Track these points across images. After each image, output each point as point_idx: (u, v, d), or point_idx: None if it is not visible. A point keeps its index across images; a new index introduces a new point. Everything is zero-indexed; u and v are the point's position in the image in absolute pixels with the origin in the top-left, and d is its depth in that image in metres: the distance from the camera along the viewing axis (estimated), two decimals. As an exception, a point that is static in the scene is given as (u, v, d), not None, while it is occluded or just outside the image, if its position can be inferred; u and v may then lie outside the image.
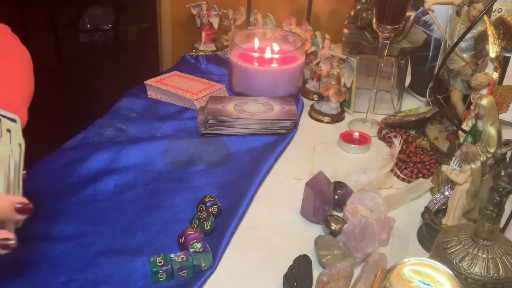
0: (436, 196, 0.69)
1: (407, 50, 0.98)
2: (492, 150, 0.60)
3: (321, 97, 1.01)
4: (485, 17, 0.76)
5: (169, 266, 0.58)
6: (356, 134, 0.92)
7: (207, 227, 0.66)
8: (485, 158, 0.60)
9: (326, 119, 1.00)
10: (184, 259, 0.59)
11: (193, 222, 0.67)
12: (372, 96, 0.95)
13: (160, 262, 0.59)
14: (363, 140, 0.91)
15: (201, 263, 0.61)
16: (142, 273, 0.61)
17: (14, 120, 0.53)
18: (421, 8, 1.01)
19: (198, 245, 0.61)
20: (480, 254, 0.53)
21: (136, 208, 0.72)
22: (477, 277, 0.52)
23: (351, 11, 1.01)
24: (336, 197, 0.73)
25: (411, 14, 0.97)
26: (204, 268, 0.61)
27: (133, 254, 0.63)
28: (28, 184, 0.74)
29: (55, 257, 0.62)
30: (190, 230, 0.64)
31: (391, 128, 0.96)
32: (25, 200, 0.52)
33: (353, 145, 0.90)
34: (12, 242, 0.51)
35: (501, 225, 0.60)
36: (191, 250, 0.61)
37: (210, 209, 0.69)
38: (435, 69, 1.05)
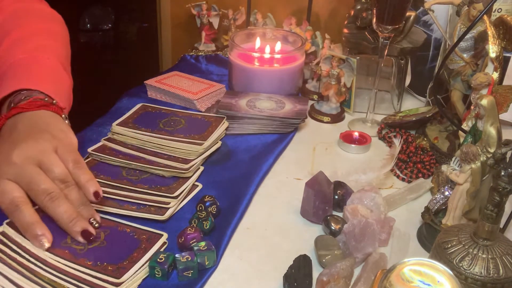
0: (436, 196, 0.69)
1: (407, 50, 0.98)
2: (492, 150, 0.60)
3: (321, 97, 1.01)
4: (485, 17, 0.76)
5: (165, 266, 0.59)
6: (356, 134, 0.92)
7: (206, 226, 0.66)
8: (485, 158, 0.60)
9: (326, 119, 1.00)
10: (189, 259, 0.60)
11: (192, 222, 0.67)
12: (372, 96, 0.95)
13: (161, 259, 0.59)
14: (363, 140, 0.91)
15: (205, 261, 0.61)
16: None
17: None
18: (421, 8, 1.01)
19: (203, 243, 0.62)
20: (480, 254, 0.53)
21: (136, 207, 0.72)
22: (477, 277, 0.52)
23: (351, 11, 1.01)
24: (336, 197, 0.73)
25: (411, 14, 0.97)
26: (208, 266, 0.61)
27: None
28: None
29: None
30: (189, 229, 0.64)
31: (391, 128, 0.96)
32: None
33: (353, 145, 0.90)
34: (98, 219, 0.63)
35: (501, 225, 0.60)
36: (195, 248, 0.61)
37: (209, 209, 0.69)
38: (435, 69, 1.05)
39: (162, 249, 0.62)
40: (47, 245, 0.58)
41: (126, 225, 0.65)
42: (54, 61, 0.75)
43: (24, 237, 0.59)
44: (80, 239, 0.60)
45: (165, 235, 0.64)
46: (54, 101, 0.69)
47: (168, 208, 0.68)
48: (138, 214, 0.67)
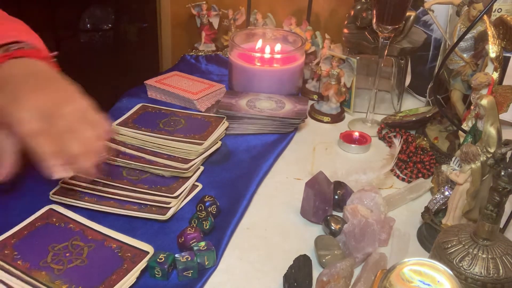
0: (436, 196, 0.69)
1: (407, 50, 0.98)
2: (492, 150, 0.60)
3: (321, 97, 1.01)
4: (485, 17, 0.76)
5: (165, 266, 0.59)
6: (356, 134, 0.92)
7: (206, 226, 0.66)
8: (485, 158, 0.60)
9: (326, 119, 1.00)
10: (189, 259, 0.60)
11: (192, 222, 0.67)
12: (372, 96, 0.95)
13: (161, 259, 0.59)
14: (363, 140, 0.91)
15: (205, 261, 0.61)
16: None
17: None
18: (421, 8, 1.01)
19: (203, 243, 0.62)
20: (480, 254, 0.53)
21: (136, 207, 0.72)
22: (477, 277, 0.52)
23: (351, 11, 1.01)
24: (336, 197, 0.73)
25: (411, 14, 0.97)
26: (208, 266, 0.61)
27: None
28: (28, 184, 0.74)
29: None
30: (189, 229, 0.64)
31: (391, 128, 0.96)
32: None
33: (353, 145, 0.90)
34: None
35: (501, 225, 0.60)
36: (195, 248, 0.61)
37: (209, 209, 0.69)
38: (435, 69, 1.05)
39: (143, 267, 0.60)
40: (67, 174, 0.61)
41: (113, 239, 0.63)
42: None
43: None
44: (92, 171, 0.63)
45: (151, 252, 0.61)
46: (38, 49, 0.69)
47: (170, 208, 0.68)
48: (140, 214, 0.67)
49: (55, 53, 0.72)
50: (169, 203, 0.69)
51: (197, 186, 0.76)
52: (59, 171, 0.60)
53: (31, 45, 0.69)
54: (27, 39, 0.69)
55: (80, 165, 0.62)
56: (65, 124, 0.61)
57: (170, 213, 0.68)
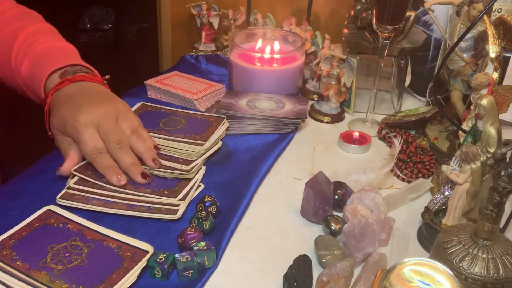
0: (436, 196, 0.69)
1: (407, 50, 0.98)
2: (492, 150, 0.60)
3: (321, 97, 1.01)
4: (485, 17, 0.76)
5: (165, 266, 0.59)
6: (356, 134, 0.92)
7: (206, 226, 0.66)
8: (485, 158, 0.60)
9: (326, 119, 1.00)
10: (189, 259, 0.59)
11: (192, 222, 0.67)
12: (372, 96, 0.95)
13: (161, 259, 0.59)
14: (363, 140, 0.91)
15: (205, 261, 0.61)
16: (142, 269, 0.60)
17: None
18: (421, 8, 1.01)
19: (203, 243, 0.62)
20: (480, 254, 0.53)
21: (136, 207, 0.72)
22: (477, 277, 0.52)
23: (351, 11, 1.01)
24: (336, 197, 0.73)
25: (411, 14, 0.97)
26: (208, 266, 0.61)
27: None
28: (28, 184, 0.74)
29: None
30: (189, 229, 0.64)
31: (391, 128, 0.96)
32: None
33: (353, 145, 0.90)
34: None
35: (501, 225, 0.60)
36: (195, 248, 0.61)
37: (209, 209, 0.69)
38: (435, 69, 1.05)
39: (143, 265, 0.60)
40: (123, 182, 0.71)
41: (112, 239, 0.63)
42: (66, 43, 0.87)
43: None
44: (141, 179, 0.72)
45: (151, 251, 0.61)
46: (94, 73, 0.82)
47: (178, 209, 0.68)
48: (150, 215, 0.67)
49: (107, 76, 0.83)
50: (177, 205, 0.69)
51: (199, 186, 0.76)
52: (117, 181, 0.71)
53: (86, 68, 0.81)
54: (80, 63, 0.81)
55: (131, 174, 0.72)
56: (119, 139, 0.72)
57: (180, 213, 0.68)
